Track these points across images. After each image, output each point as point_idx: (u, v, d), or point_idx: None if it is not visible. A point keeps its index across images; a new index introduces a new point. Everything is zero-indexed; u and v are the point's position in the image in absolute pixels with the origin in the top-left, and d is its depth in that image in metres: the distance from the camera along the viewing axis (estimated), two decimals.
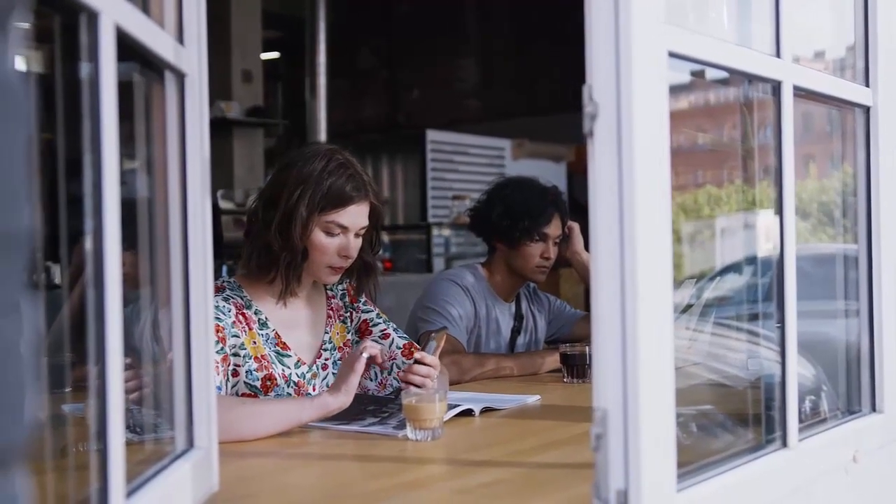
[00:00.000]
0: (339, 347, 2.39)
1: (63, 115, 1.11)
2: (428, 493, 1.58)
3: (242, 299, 2.26)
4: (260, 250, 2.23)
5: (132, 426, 1.34)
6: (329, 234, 2.22)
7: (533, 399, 2.41)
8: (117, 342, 1.03)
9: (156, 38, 1.23)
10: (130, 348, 1.18)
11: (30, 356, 0.60)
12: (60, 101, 1.11)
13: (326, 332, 2.38)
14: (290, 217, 2.18)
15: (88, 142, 1.01)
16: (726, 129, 2.02)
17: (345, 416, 2.06)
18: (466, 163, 8.43)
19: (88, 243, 1.01)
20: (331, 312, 2.41)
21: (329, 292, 2.44)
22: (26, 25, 0.64)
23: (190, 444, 1.40)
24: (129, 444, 1.09)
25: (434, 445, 1.87)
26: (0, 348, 0.58)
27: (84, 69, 1.02)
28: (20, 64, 0.61)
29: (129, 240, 1.20)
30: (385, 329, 2.43)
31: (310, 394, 2.26)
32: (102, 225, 1.01)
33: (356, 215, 2.24)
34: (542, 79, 9.24)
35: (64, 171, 1.09)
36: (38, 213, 0.63)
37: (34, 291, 0.63)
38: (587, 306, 3.46)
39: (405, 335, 2.46)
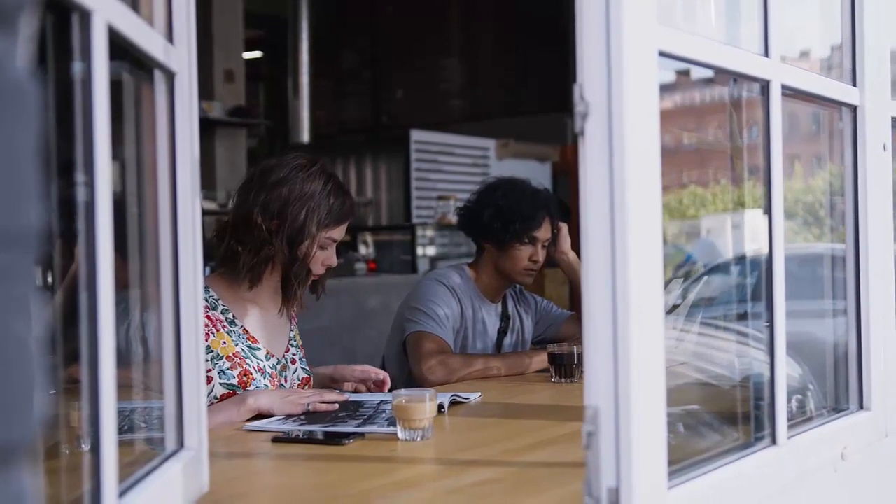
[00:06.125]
0: (301, 346, 2.53)
1: (52, 113, 1.10)
2: (419, 493, 1.58)
3: (207, 300, 2.30)
4: (264, 261, 2.31)
5: (122, 426, 1.33)
6: (322, 248, 2.36)
7: (475, 396, 2.41)
8: (110, 344, 1.02)
9: (146, 38, 1.23)
10: (117, 349, 1.18)
11: (39, 354, 0.60)
12: (50, 99, 1.10)
13: (292, 330, 2.50)
14: (299, 234, 2.30)
15: (80, 142, 1.00)
16: (711, 129, 2.03)
17: (322, 420, 2.07)
18: (451, 163, 8.42)
19: (81, 245, 1.00)
20: (293, 314, 2.53)
21: None
22: (35, 26, 0.64)
23: (180, 444, 1.39)
24: (118, 444, 1.08)
25: (424, 445, 1.87)
26: (10, 345, 0.58)
27: (75, 68, 1.01)
28: (29, 62, 0.61)
29: (117, 241, 1.20)
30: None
31: (282, 385, 2.39)
32: (95, 225, 1.00)
33: (344, 230, 2.41)
34: (526, 79, 9.27)
35: (51, 170, 1.08)
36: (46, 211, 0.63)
37: (41, 290, 0.63)
38: (572, 306, 3.48)
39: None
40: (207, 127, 7.38)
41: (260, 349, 2.36)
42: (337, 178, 2.40)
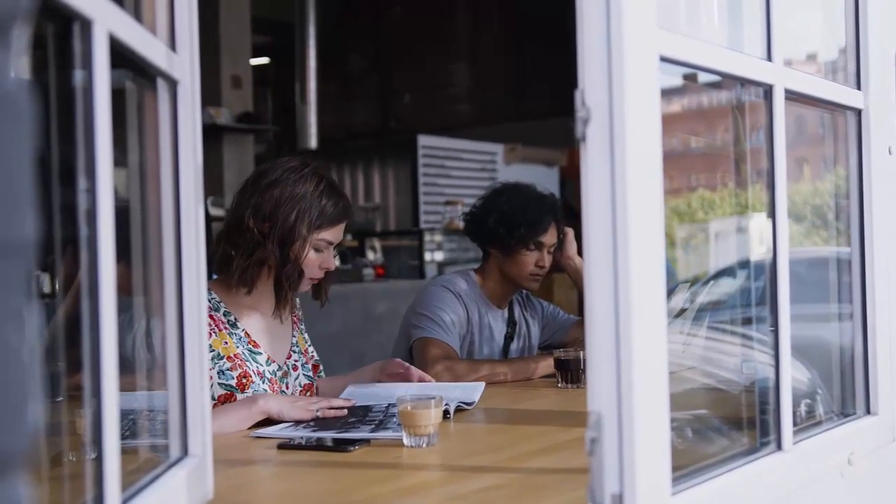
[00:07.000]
0: (304, 352, 2.51)
1: (55, 122, 1.11)
2: (424, 500, 1.58)
3: (210, 301, 2.30)
4: (256, 264, 2.31)
5: (126, 433, 1.33)
6: (317, 250, 2.35)
7: (478, 391, 2.43)
8: (112, 351, 1.03)
9: (148, 46, 1.23)
10: (123, 357, 1.18)
11: (32, 363, 0.61)
12: (53, 108, 1.11)
13: (293, 336, 2.50)
14: (290, 235, 2.29)
15: (82, 149, 1.00)
16: (719, 133, 2.02)
17: (333, 426, 2.06)
18: (458, 168, 8.43)
19: (83, 252, 1.00)
20: (295, 320, 2.53)
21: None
22: (28, 35, 0.64)
23: (184, 451, 1.39)
24: (123, 451, 1.09)
25: (429, 451, 1.87)
26: (3, 354, 0.58)
27: (77, 76, 1.01)
28: (22, 73, 0.61)
29: (121, 248, 1.20)
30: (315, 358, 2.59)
31: (283, 391, 2.39)
32: (97, 233, 1.01)
33: (341, 232, 2.40)
34: (533, 83, 9.26)
35: (54, 178, 1.09)
36: (40, 221, 0.63)
37: (35, 299, 0.63)
38: (580, 311, 3.48)
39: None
40: (215, 133, 7.38)
41: (261, 354, 2.36)
42: (330, 180, 2.38)
